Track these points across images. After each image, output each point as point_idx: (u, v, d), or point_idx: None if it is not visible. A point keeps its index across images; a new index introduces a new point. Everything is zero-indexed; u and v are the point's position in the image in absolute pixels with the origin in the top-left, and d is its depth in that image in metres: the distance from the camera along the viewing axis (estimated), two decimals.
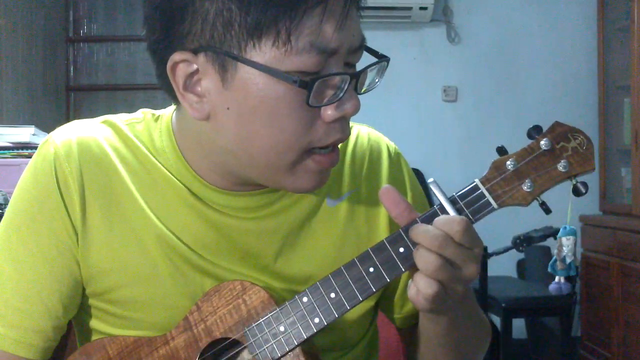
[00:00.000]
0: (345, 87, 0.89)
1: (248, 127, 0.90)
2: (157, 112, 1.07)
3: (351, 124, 1.14)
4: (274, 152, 0.90)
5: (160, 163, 1.01)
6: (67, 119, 4.65)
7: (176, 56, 0.89)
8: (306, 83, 0.86)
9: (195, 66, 0.90)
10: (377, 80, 0.97)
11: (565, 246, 0.98)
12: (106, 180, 1.00)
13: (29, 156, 2.92)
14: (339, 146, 1.09)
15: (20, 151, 2.87)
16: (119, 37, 4.91)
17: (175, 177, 1.01)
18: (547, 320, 4.29)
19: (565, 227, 0.98)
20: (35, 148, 3.48)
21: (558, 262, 0.99)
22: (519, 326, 4.33)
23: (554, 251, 1.00)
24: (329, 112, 0.90)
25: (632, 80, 3.98)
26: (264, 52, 0.86)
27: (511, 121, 4.60)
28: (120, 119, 1.06)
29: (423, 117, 4.63)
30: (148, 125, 1.05)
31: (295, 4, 0.84)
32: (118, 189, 1.00)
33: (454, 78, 4.66)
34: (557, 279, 0.99)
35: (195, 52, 0.89)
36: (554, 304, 3.70)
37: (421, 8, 4.41)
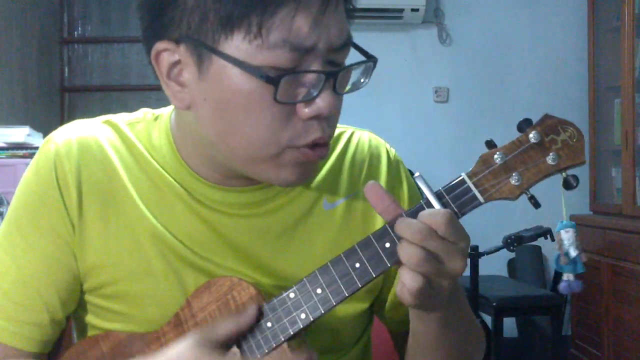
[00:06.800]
0: (321, 85, 0.87)
1: (224, 119, 0.90)
2: (157, 112, 1.09)
3: (353, 129, 1.14)
4: (252, 146, 0.90)
5: (156, 161, 1.03)
6: (62, 120, 4.67)
7: (159, 45, 0.91)
8: (273, 79, 0.85)
9: (177, 56, 0.91)
10: (363, 80, 0.95)
11: (566, 239, 0.94)
12: (104, 179, 1.02)
13: (24, 156, 2.94)
14: (339, 151, 1.09)
15: (15, 151, 2.87)
16: (113, 39, 4.88)
17: (170, 175, 1.02)
18: (538, 319, 4.31)
19: (562, 222, 0.94)
20: (30, 148, 3.47)
21: (561, 257, 0.94)
22: (510, 325, 4.36)
23: (554, 247, 0.95)
24: (303, 110, 0.89)
25: (622, 81, 4.00)
26: (237, 45, 0.85)
27: (502, 122, 4.61)
28: (122, 119, 1.08)
29: (414, 118, 4.64)
30: (147, 125, 1.06)
31: None
32: (115, 187, 1.02)
33: (445, 79, 4.68)
34: (565, 276, 0.95)
35: (177, 42, 0.90)
36: (544, 303, 3.70)
37: (413, 10, 4.42)
